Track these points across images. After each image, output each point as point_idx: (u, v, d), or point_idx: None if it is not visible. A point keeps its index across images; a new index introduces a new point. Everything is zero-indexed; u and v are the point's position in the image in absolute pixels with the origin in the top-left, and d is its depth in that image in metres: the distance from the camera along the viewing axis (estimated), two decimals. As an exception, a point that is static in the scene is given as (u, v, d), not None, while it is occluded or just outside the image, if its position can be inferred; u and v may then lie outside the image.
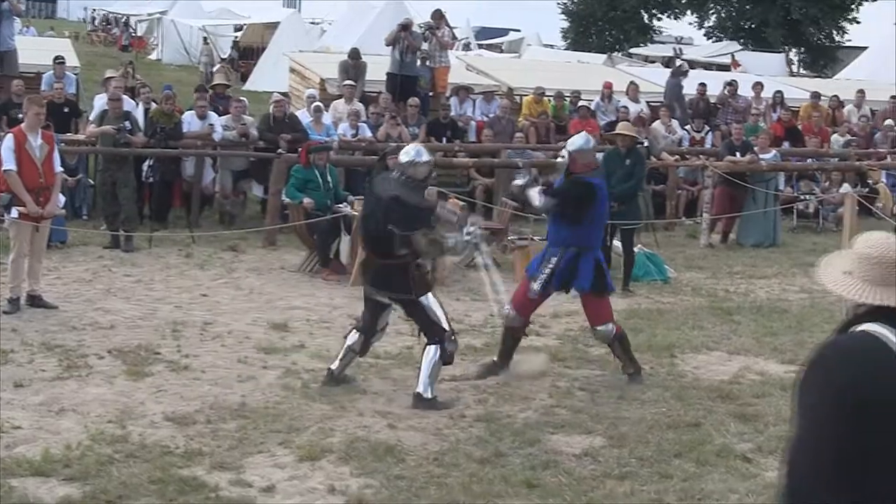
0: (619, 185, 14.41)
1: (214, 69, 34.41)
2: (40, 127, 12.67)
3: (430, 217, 9.85)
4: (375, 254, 9.97)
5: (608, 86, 23.70)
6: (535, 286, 10.52)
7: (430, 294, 9.94)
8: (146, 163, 17.33)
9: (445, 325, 9.80)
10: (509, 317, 10.67)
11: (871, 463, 3.52)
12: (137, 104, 18.71)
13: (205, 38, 45.12)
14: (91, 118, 18.22)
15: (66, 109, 19.05)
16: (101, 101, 18.65)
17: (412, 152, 10.04)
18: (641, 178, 14.83)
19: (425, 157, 10.11)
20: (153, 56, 50.34)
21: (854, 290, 3.76)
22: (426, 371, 9.57)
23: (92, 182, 17.92)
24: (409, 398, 9.56)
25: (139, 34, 56.51)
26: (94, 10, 71.15)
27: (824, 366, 3.69)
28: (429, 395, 9.53)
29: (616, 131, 15.67)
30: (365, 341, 10.10)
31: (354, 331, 10.15)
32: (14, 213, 12.26)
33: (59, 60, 20.75)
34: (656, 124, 21.48)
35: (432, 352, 9.63)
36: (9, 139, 12.41)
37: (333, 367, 10.01)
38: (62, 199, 14.40)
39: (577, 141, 10.93)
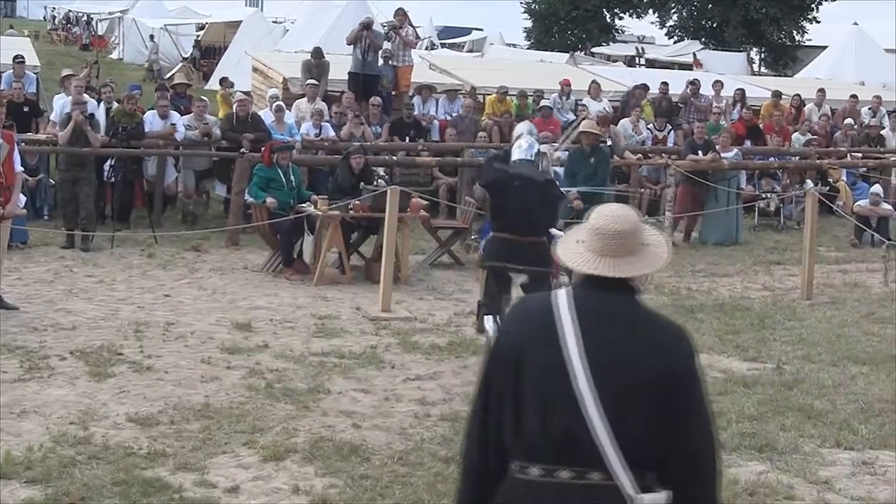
0: (585, 184, 14.47)
1: (175, 70, 34.25)
2: (0, 126, 12.58)
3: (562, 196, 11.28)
4: (523, 234, 10.61)
5: (566, 83, 23.75)
6: None
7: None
8: (108, 163, 17.26)
9: None
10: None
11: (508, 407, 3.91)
12: (99, 104, 18.60)
13: (151, 36, 44.97)
14: (53, 118, 18.13)
15: (25, 109, 18.92)
16: (61, 102, 18.55)
17: (525, 145, 11.10)
18: (606, 177, 14.88)
19: (536, 146, 11.28)
20: (114, 55, 50.07)
21: (578, 259, 3.94)
22: None
23: (53, 182, 17.80)
24: (373, 397, 9.59)
25: (100, 33, 56.17)
26: (55, 8, 70.67)
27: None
28: None
29: (579, 129, 15.67)
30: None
31: (488, 317, 10.79)
32: None
33: (18, 60, 20.62)
34: (622, 122, 21.54)
35: None
36: None
37: None
38: (23, 199, 14.31)
39: (522, 128, 11.80)
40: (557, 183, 11.67)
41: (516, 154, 11.12)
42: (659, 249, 4.01)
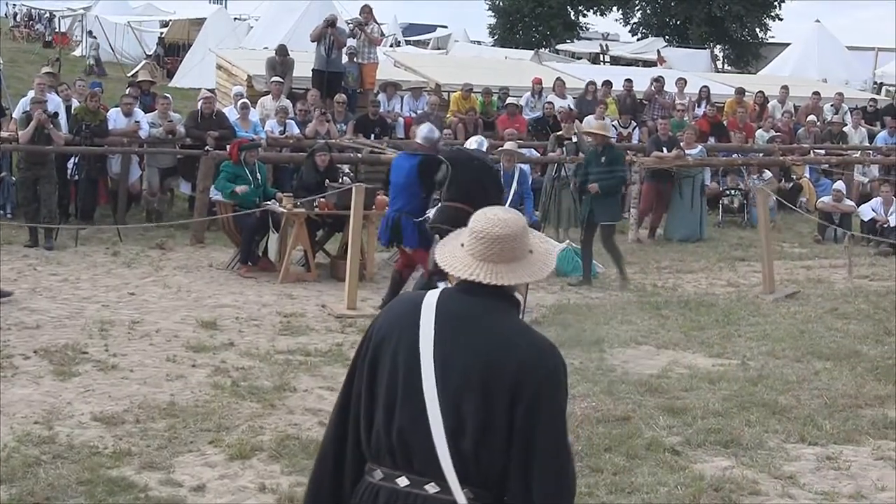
0: (599, 181, 14.86)
1: (139, 67, 34.05)
2: None
3: None
4: (476, 206, 11.74)
5: (538, 81, 23.81)
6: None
7: None
8: (72, 160, 17.15)
9: None
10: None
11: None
12: (60, 101, 18.47)
13: (90, 32, 44.69)
14: (15, 115, 18.01)
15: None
16: (24, 99, 18.43)
17: (475, 144, 13.45)
18: (622, 175, 15.03)
19: (486, 143, 13.86)
20: (77, 52, 49.74)
21: (457, 263, 3.80)
22: None
23: (15, 180, 17.67)
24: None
25: (63, 30, 55.78)
26: (16, 5, 70.14)
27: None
28: None
29: (588, 130, 15.82)
30: None
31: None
32: None
33: (-20, 57, 20.47)
34: (587, 119, 21.58)
35: None
36: None
37: None
38: None
39: (424, 130, 13.46)
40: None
41: (471, 145, 12.97)
42: (544, 257, 3.86)
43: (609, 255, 15.17)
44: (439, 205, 12.02)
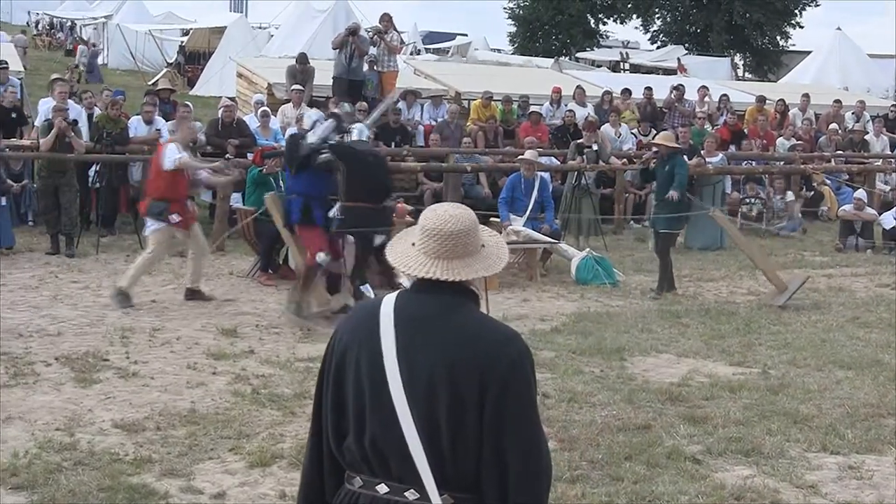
0: (660, 189, 15.17)
1: (160, 75, 34.15)
2: None
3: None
4: (378, 201, 12.47)
5: (557, 90, 23.80)
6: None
7: None
8: (93, 168, 17.21)
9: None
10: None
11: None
12: (81, 109, 18.55)
13: (81, 38, 44.73)
14: (38, 123, 18.11)
15: (13, 115, 18.88)
16: (46, 107, 18.53)
17: (356, 133, 12.85)
18: (683, 179, 14.99)
19: (367, 132, 13.18)
20: (99, 60, 49.94)
21: (410, 262, 3.77)
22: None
23: (36, 188, 17.74)
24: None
25: (84, 38, 56.00)
26: (38, 13, 70.45)
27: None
28: None
29: (656, 141, 15.81)
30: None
31: (363, 287, 12.53)
32: None
33: (2, 65, 20.56)
34: (604, 128, 21.57)
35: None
36: None
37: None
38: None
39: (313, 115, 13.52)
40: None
41: (355, 135, 12.81)
42: (498, 251, 3.84)
43: (658, 263, 15.14)
44: (338, 205, 12.47)
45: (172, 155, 13.14)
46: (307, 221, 12.60)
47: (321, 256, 12.50)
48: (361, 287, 12.49)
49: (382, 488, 3.68)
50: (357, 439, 3.71)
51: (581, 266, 15.66)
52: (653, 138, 17.44)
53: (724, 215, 16.73)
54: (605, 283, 15.40)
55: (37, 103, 21.03)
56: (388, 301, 3.77)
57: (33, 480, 7.50)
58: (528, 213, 15.95)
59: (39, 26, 65.75)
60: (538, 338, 11.84)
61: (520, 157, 16.92)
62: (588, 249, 16.32)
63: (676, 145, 15.69)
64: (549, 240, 15.95)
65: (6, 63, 20.85)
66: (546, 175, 17.58)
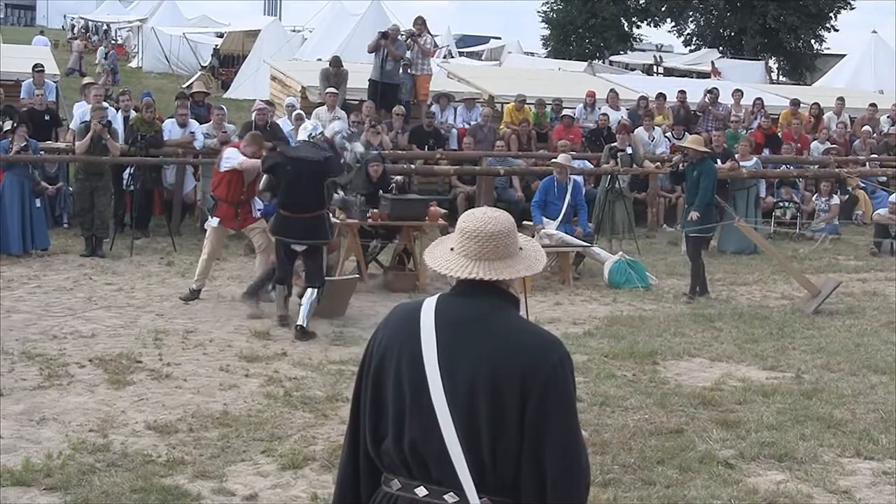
0: (689, 192, 15.21)
1: (194, 78, 34.27)
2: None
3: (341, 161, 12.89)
4: (298, 210, 12.19)
5: (591, 94, 23.74)
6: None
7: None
8: (127, 171, 17.29)
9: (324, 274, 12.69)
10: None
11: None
12: (117, 112, 18.66)
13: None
14: (73, 126, 18.23)
15: (46, 117, 18.99)
16: (81, 109, 18.64)
17: (310, 127, 12.91)
18: (707, 188, 14.94)
19: (320, 129, 12.94)
20: (133, 64, 50.22)
21: (451, 265, 3.77)
22: (307, 309, 11.99)
23: (72, 190, 17.85)
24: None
25: (119, 42, 56.36)
26: (74, 17, 70.94)
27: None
28: (308, 328, 11.97)
29: (685, 145, 15.76)
30: (288, 287, 12.61)
31: (277, 286, 12.57)
32: None
33: (38, 68, 20.68)
34: (637, 131, 21.50)
35: (315, 293, 12.16)
36: None
37: (283, 313, 12.47)
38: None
39: (337, 126, 13.78)
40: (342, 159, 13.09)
41: (301, 135, 12.92)
42: (536, 254, 3.86)
43: (690, 266, 15.10)
44: (279, 213, 12.45)
45: (230, 158, 13.48)
46: None
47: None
48: (270, 291, 12.79)
49: (421, 491, 3.69)
50: (396, 442, 3.71)
51: (614, 269, 15.62)
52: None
53: (749, 225, 16.67)
54: (637, 286, 15.36)
55: (72, 106, 21.16)
56: (429, 303, 3.78)
57: (67, 481, 7.55)
58: (561, 216, 15.92)
59: (75, 30, 66.16)
60: (571, 341, 11.82)
61: (553, 160, 16.90)
62: (621, 253, 16.28)
63: (705, 149, 15.62)
64: (582, 243, 15.92)
65: (42, 66, 20.97)
66: (579, 178, 17.54)
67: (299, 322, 11.96)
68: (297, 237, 12.26)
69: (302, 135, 12.94)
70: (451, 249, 3.80)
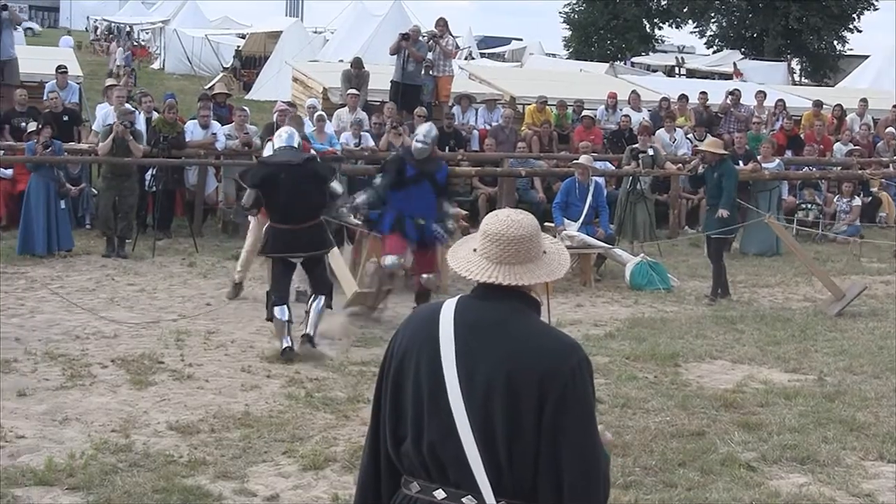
0: (710, 195, 15.25)
1: (216, 80, 34.35)
2: None
3: (334, 165, 12.24)
4: (297, 222, 11.39)
5: (612, 96, 23.71)
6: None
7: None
8: (149, 172, 17.35)
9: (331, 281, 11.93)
10: (430, 280, 13.04)
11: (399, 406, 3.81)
12: (139, 113, 18.72)
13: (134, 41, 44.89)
14: (95, 128, 18.31)
15: (65, 118, 19.07)
16: (103, 111, 18.71)
17: (285, 136, 11.91)
18: (731, 188, 14.94)
19: (296, 139, 12.03)
20: (155, 65, 50.37)
21: (472, 268, 3.75)
22: (315, 318, 11.38)
23: (95, 191, 17.91)
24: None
25: (142, 43, 56.54)
26: (97, 19, 71.20)
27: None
28: (315, 337, 11.34)
29: (702, 148, 15.72)
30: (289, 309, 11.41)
31: (277, 307, 11.28)
32: None
33: (61, 70, 20.76)
34: (658, 133, 21.46)
35: (323, 301, 11.47)
36: None
37: (287, 344, 11.16)
38: None
39: (433, 131, 13.16)
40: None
41: (277, 143, 11.94)
42: (559, 257, 3.82)
43: (712, 268, 15.07)
44: (274, 228, 11.65)
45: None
46: (397, 231, 12.80)
47: (389, 259, 12.72)
48: (275, 307, 11.29)
49: (440, 494, 3.68)
50: (415, 444, 3.70)
51: (635, 271, 15.60)
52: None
53: (779, 223, 16.61)
54: (659, 288, 15.33)
55: (94, 108, 21.24)
56: (449, 306, 3.77)
57: (89, 481, 7.58)
58: (582, 217, 15.90)
59: (98, 31, 66.38)
60: (592, 343, 11.80)
61: (574, 161, 16.88)
62: (642, 254, 16.25)
63: (723, 151, 15.56)
64: (604, 245, 15.90)
65: (65, 67, 21.05)
66: (601, 180, 17.51)
67: (307, 330, 11.31)
68: (299, 250, 11.47)
69: (278, 142, 11.95)
70: (474, 251, 3.79)
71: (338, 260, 13.82)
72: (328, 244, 11.87)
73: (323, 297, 11.50)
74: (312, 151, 12.07)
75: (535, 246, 3.75)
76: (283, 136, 11.91)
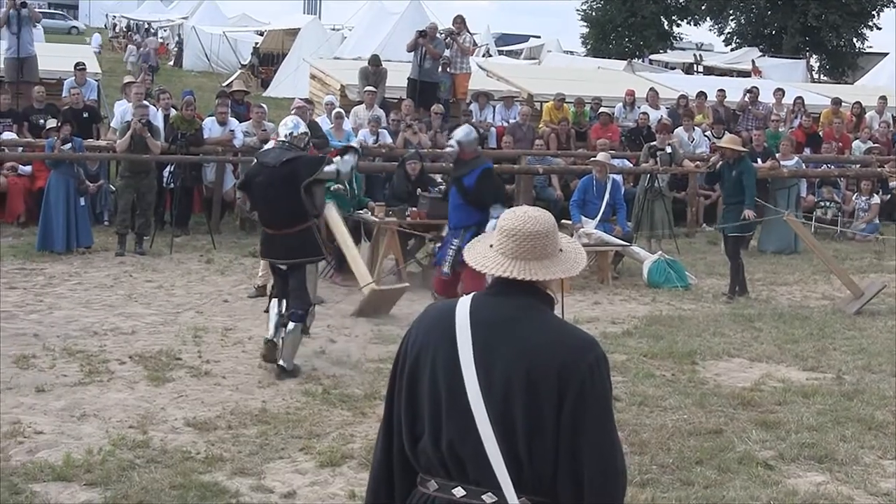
0: (729, 193, 15.08)
1: (234, 77, 34.42)
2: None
3: (321, 162, 10.76)
4: (276, 227, 10.53)
5: (630, 93, 23.68)
6: (446, 269, 12.17)
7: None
8: (167, 169, 17.39)
9: (312, 299, 10.82)
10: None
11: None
12: (157, 110, 18.77)
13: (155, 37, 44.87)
14: (114, 125, 18.37)
15: (85, 115, 19.12)
16: (122, 108, 18.76)
17: (291, 124, 10.92)
18: (752, 185, 14.89)
19: (302, 127, 10.96)
20: (172, 62, 50.47)
21: (488, 263, 3.76)
22: (289, 349, 10.41)
23: (113, 188, 17.95)
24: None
25: (161, 41, 56.65)
26: (115, 16, 71.43)
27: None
28: (289, 367, 10.39)
29: (721, 145, 15.64)
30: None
31: (274, 300, 10.71)
32: None
33: (79, 67, 20.82)
34: (677, 131, 21.41)
35: (298, 327, 10.48)
36: None
37: (272, 337, 10.45)
38: None
39: (460, 132, 12.18)
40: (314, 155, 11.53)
41: (283, 131, 10.94)
42: (575, 255, 3.83)
43: (730, 266, 15.02)
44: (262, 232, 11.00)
45: None
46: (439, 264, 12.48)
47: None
48: (271, 300, 10.88)
49: (459, 492, 3.68)
50: (433, 442, 3.70)
51: (653, 269, 15.57)
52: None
53: (798, 220, 16.55)
54: (677, 286, 15.30)
55: (113, 105, 21.29)
56: (464, 303, 3.78)
57: (107, 477, 7.60)
58: (600, 215, 15.89)
59: (117, 28, 66.57)
60: (609, 340, 11.79)
61: (592, 159, 16.86)
62: (660, 252, 16.22)
63: (742, 149, 15.50)
64: (621, 242, 15.87)
65: (84, 64, 21.10)
66: (618, 177, 17.48)
67: (280, 361, 10.35)
68: (279, 256, 10.59)
69: (283, 130, 10.98)
70: (491, 246, 3.80)
71: (355, 256, 13.84)
72: (310, 254, 10.63)
73: (298, 323, 10.48)
74: (305, 153, 10.94)
75: (552, 242, 3.76)
76: (289, 125, 10.98)
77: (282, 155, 10.55)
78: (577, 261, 3.82)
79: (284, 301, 10.63)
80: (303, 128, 10.99)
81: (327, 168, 10.72)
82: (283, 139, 10.81)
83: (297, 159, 10.55)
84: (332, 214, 13.82)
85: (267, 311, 10.87)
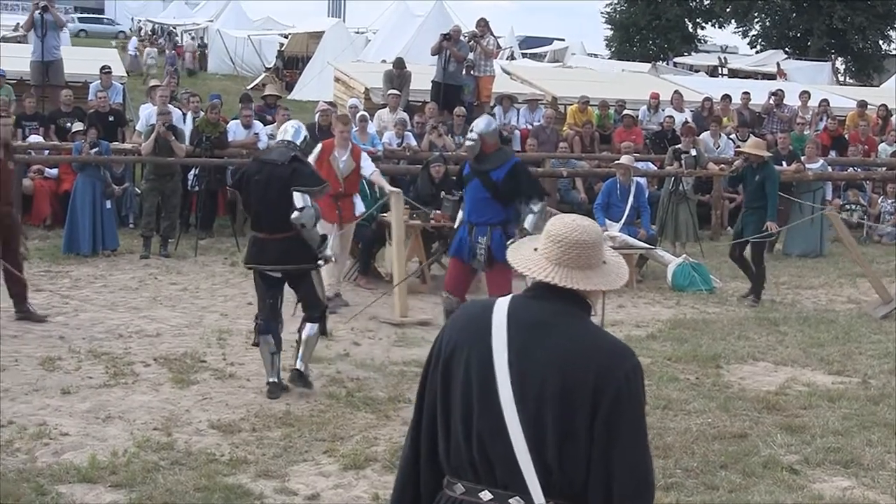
0: (751, 197, 14.92)
1: (259, 79, 34.48)
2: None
3: (320, 184, 10.20)
4: (270, 231, 9.92)
5: (654, 96, 23.64)
6: (476, 266, 11.32)
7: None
8: (192, 172, 17.45)
9: (324, 300, 10.45)
10: (448, 300, 11.33)
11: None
12: (187, 113, 18.83)
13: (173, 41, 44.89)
14: (139, 128, 18.44)
15: (111, 118, 19.20)
16: (147, 111, 18.83)
17: (292, 130, 10.31)
18: (774, 193, 14.78)
19: (304, 132, 10.35)
20: (190, 66, 50.58)
21: (532, 266, 3.75)
22: (305, 350, 10.09)
23: (138, 191, 18.02)
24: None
25: (184, 44, 56.80)
26: (141, 20, 71.65)
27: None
28: (306, 372, 10.06)
29: (745, 149, 15.54)
30: (276, 339, 10.05)
31: (262, 335, 10.03)
32: None
33: (105, 70, 20.91)
34: (703, 136, 21.36)
35: (316, 328, 10.13)
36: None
37: (275, 378, 9.94)
38: None
39: (480, 123, 11.48)
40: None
41: (280, 136, 10.40)
42: (618, 269, 3.82)
43: (753, 270, 14.92)
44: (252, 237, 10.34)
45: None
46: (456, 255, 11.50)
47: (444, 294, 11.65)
48: (260, 335, 10.06)
49: (486, 495, 3.66)
50: (465, 443, 3.69)
51: (677, 272, 15.54)
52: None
53: (837, 215, 16.43)
54: (701, 289, 15.26)
55: (138, 108, 21.37)
56: (502, 304, 3.76)
57: (132, 479, 7.62)
58: (624, 218, 15.87)
59: (142, 32, 66.76)
60: (634, 344, 11.74)
61: (616, 161, 16.83)
62: (685, 255, 16.19)
63: (766, 153, 15.41)
64: (646, 245, 15.84)
65: (109, 68, 21.19)
66: (642, 180, 17.44)
67: (297, 364, 10.03)
68: (271, 262, 9.95)
69: (285, 134, 10.36)
70: (535, 250, 3.80)
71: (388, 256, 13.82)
72: (305, 260, 10.00)
73: (315, 324, 10.15)
74: (311, 165, 10.47)
75: (596, 253, 3.75)
76: (290, 130, 10.35)
77: (287, 153, 10.04)
78: (620, 275, 3.81)
79: (273, 335, 9.99)
80: (303, 134, 10.38)
81: (296, 213, 9.80)
82: (289, 140, 10.25)
83: (303, 164, 10.14)
84: (397, 214, 13.52)
85: (256, 344, 10.13)
